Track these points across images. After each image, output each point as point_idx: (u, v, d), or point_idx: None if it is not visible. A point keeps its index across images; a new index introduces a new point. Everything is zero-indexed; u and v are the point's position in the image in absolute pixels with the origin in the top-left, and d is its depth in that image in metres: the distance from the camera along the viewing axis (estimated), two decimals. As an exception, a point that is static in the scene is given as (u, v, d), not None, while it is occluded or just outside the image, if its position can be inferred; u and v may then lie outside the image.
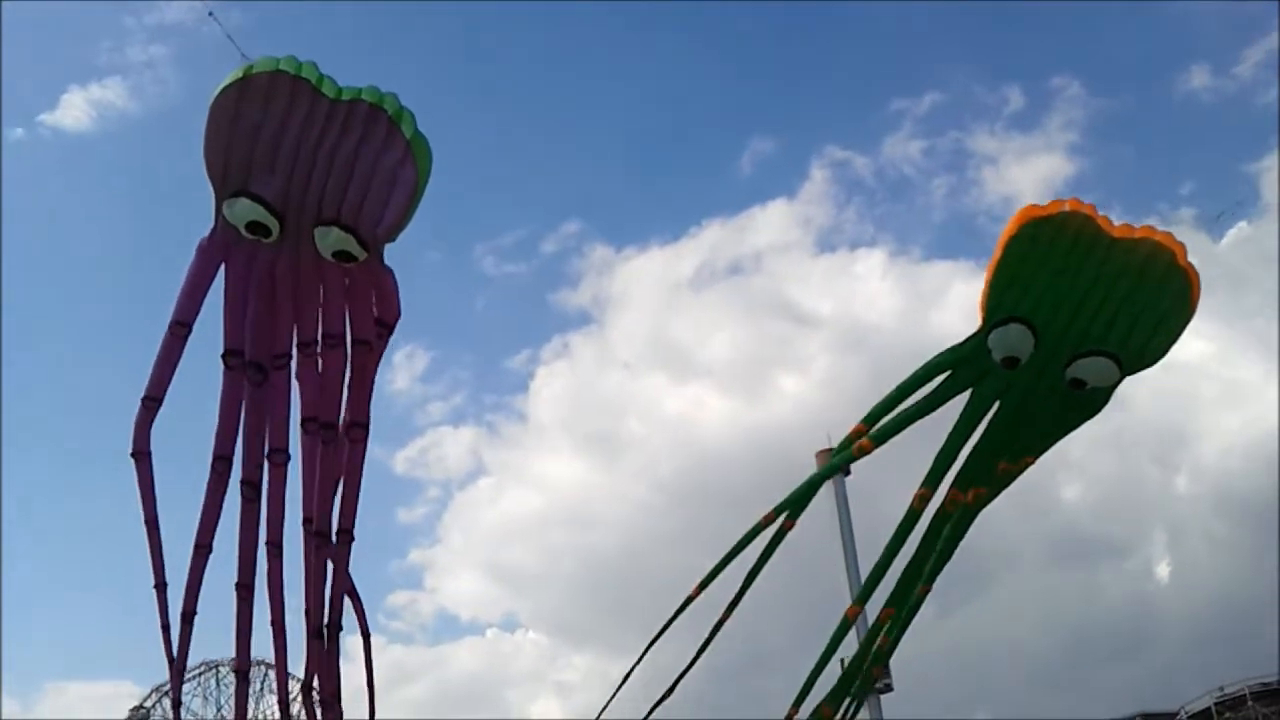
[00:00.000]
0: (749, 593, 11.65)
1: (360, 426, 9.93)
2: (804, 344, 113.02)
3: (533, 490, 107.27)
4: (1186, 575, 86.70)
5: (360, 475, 10.09)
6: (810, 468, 67.12)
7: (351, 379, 9.84)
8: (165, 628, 9.92)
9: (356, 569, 10.47)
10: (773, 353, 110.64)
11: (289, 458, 9.93)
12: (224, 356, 9.59)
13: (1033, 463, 11.14)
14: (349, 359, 9.75)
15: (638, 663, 11.77)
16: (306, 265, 9.34)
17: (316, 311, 9.62)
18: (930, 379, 10.77)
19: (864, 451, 11.02)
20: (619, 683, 11.98)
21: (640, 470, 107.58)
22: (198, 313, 9.51)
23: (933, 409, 10.84)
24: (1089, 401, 10.65)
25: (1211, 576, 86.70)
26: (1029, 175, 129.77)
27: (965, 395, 10.89)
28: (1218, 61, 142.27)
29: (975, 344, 10.47)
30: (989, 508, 11.30)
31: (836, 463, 11.59)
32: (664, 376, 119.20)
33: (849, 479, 64.04)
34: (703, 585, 11.43)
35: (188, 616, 9.96)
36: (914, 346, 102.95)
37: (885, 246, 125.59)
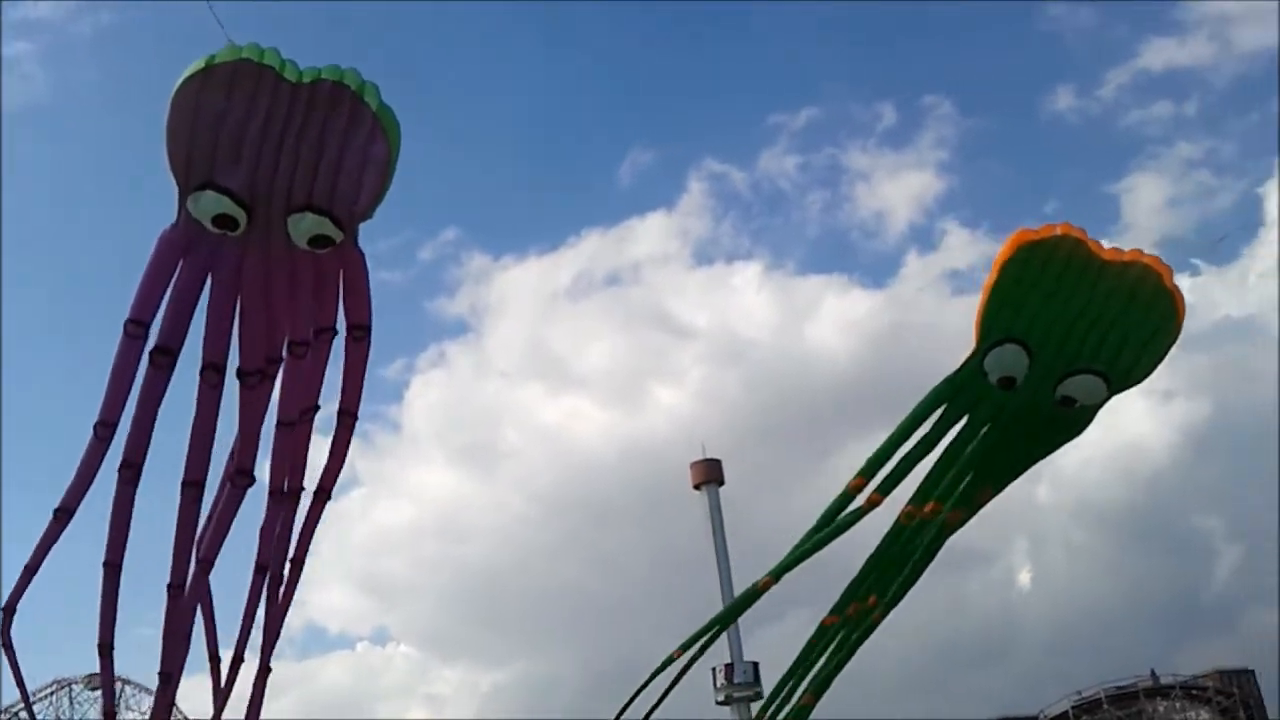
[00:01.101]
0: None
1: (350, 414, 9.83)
2: (680, 356, 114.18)
3: (406, 501, 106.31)
4: (1047, 583, 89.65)
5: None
6: (685, 479, 67.56)
7: (308, 376, 9.65)
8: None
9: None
10: (649, 364, 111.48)
11: (253, 481, 9.67)
12: (152, 353, 9.08)
13: (1001, 490, 11.39)
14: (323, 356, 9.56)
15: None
16: (277, 257, 8.97)
17: (284, 312, 9.26)
18: (929, 415, 10.92)
19: (874, 505, 11.08)
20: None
21: (516, 481, 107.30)
22: (156, 311, 9.02)
23: (933, 447, 11.00)
24: (1073, 421, 10.92)
25: (1070, 584, 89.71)
26: (901, 192, 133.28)
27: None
28: (1082, 83, 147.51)
29: (971, 369, 10.66)
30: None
31: (845, 521, 11.23)
32: (541, 387, 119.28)
33: (723, 489, 65.11)
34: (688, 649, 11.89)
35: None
36: (788, 359, 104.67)
37: (761, 260, 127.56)
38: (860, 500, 11.05)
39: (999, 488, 11.40)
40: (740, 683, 59.68)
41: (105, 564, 9.52)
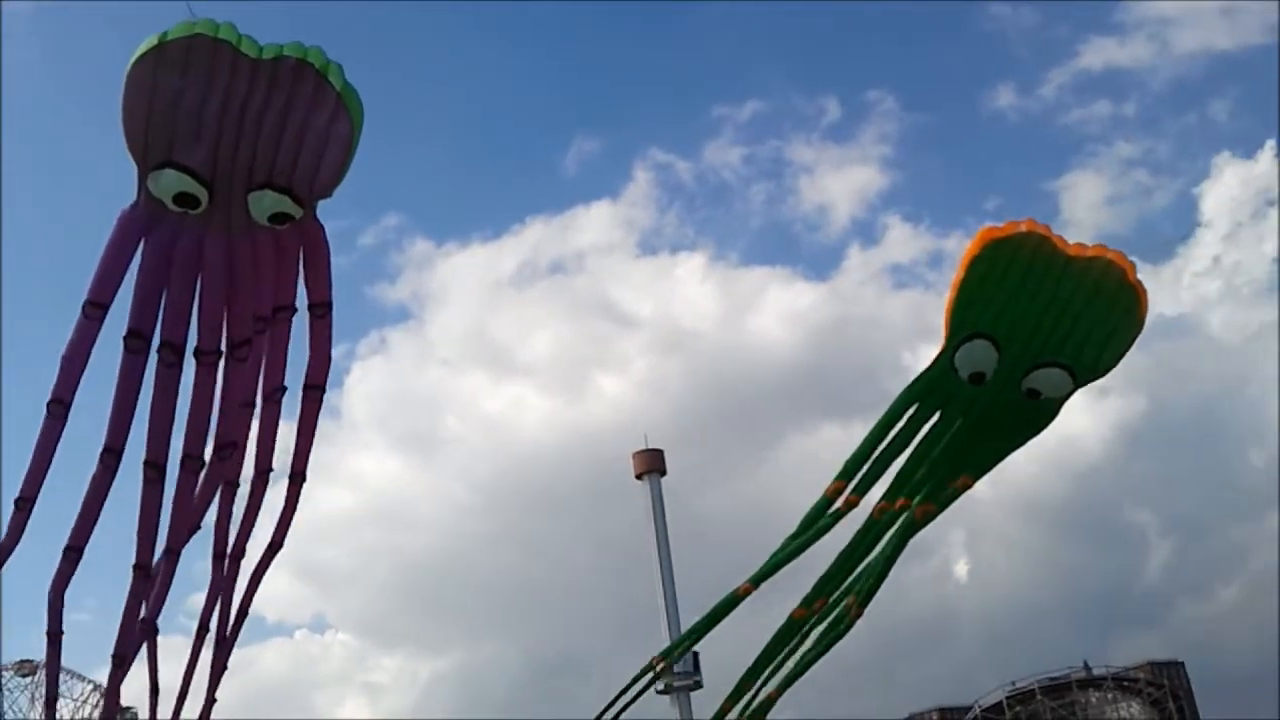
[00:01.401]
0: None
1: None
2: (624, 345, 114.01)
3: (345, 489, 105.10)
4: (983, 575, 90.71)
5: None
6: (628, 469, 67.41)
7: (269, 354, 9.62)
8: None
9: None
10: (593, 353, 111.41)
11: (203, 464, 9.58)
12: (126, 338, 8.96)
13: (973, 484, 11.46)
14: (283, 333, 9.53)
15: None
16: (238, 235, 8.87)
17: (250, 289, 9.15)
18: (901, 416, 11.03)
19: (851, 506, 11.19)
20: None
21: (457, 470, 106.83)
22: (115, 292, 8.87)
23: (906, 446, 11.11)
24: (1039, 414, 11.06)
25: (1006, 576, 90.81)
26: (844, 185, 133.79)
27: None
28: (1023, 82, 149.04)
29: (941, 366, 10.79)
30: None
31: (824, 524, 11.31)
32: (484, 375, 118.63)
33: (665, 479, 65.16)
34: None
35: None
36: (731, 350, 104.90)
37: (705, 251, 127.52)
38: (839, 503, 11.16)
39: (977, 476, 11.48)
40: (680, 672, 59.76)
41: (68, 549, 9.41)
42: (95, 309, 8.87)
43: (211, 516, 10.06)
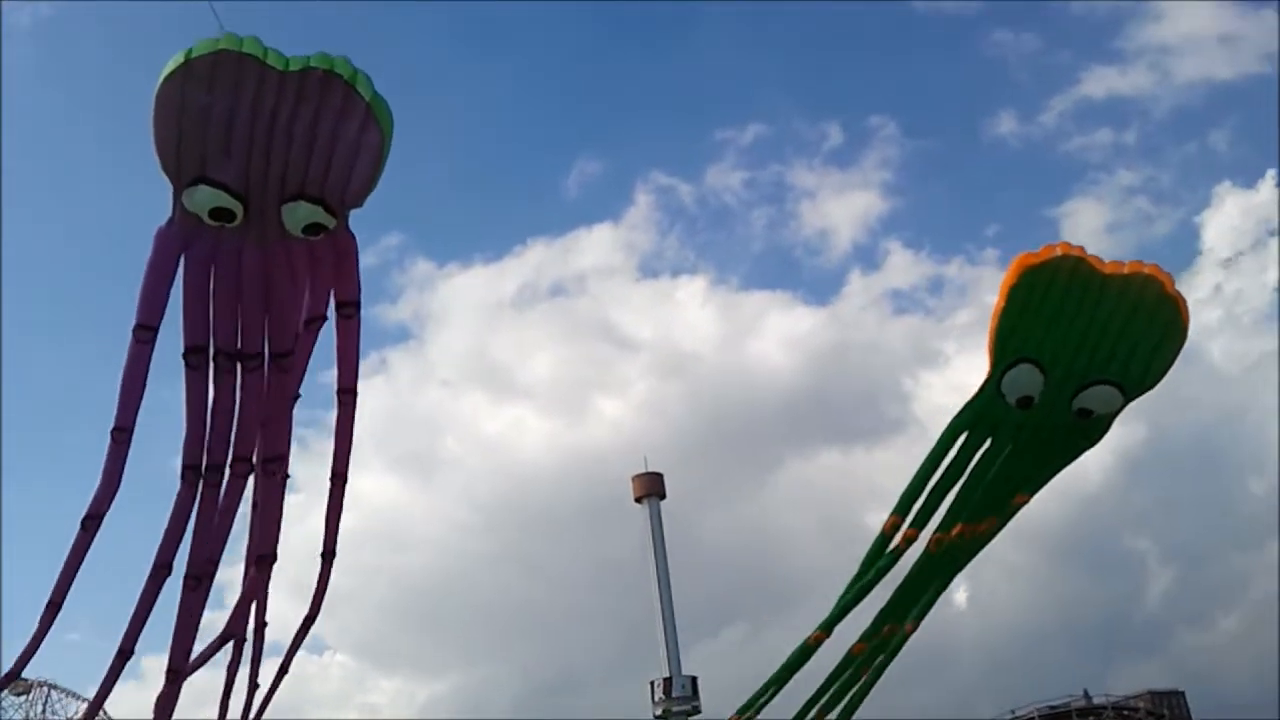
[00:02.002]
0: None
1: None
2: (624, 368, 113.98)
3: (344, 508, 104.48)
4: (983, 602, 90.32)
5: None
6: (627, 491, 67.29)
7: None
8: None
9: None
10: (593, 375, 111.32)
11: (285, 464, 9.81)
12: (185, 355, 9.09)
13: (1028, 501, 11.56)
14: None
15: None
16: (273, 246, 8.96)
17: (290, 300, 9.25)
18: (951, 445, 11.14)
19: (910, 541, 11.30)
20: None
21: (457, 490, 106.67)
22: (163, 313, 8.96)
23: (960, 475, 11.22)
24: (1091, 430, 11.21)
25: (1006, 603, 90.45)
26: (845, 210, 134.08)
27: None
28: (1025, 108, 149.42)
29: (989, 393, 10.89)
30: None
31: (884, 564, 11.42)
32: (484, 396, 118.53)
33: (664, 502, 65.03)
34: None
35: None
36: (731, 374, 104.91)
37: (706, 274, 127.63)
38: (897, 539, 11.25)
39: (1033, 493, 11.59)
40: (679, 696, 59.55)
41: (156, 565, 9.48)
42: (145, 331, 8.94)
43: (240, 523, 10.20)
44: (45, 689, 43.73)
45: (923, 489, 11.12)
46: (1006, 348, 10.69)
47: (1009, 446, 11.15)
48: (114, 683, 9.91)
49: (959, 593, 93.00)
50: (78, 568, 9.28)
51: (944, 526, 11.36)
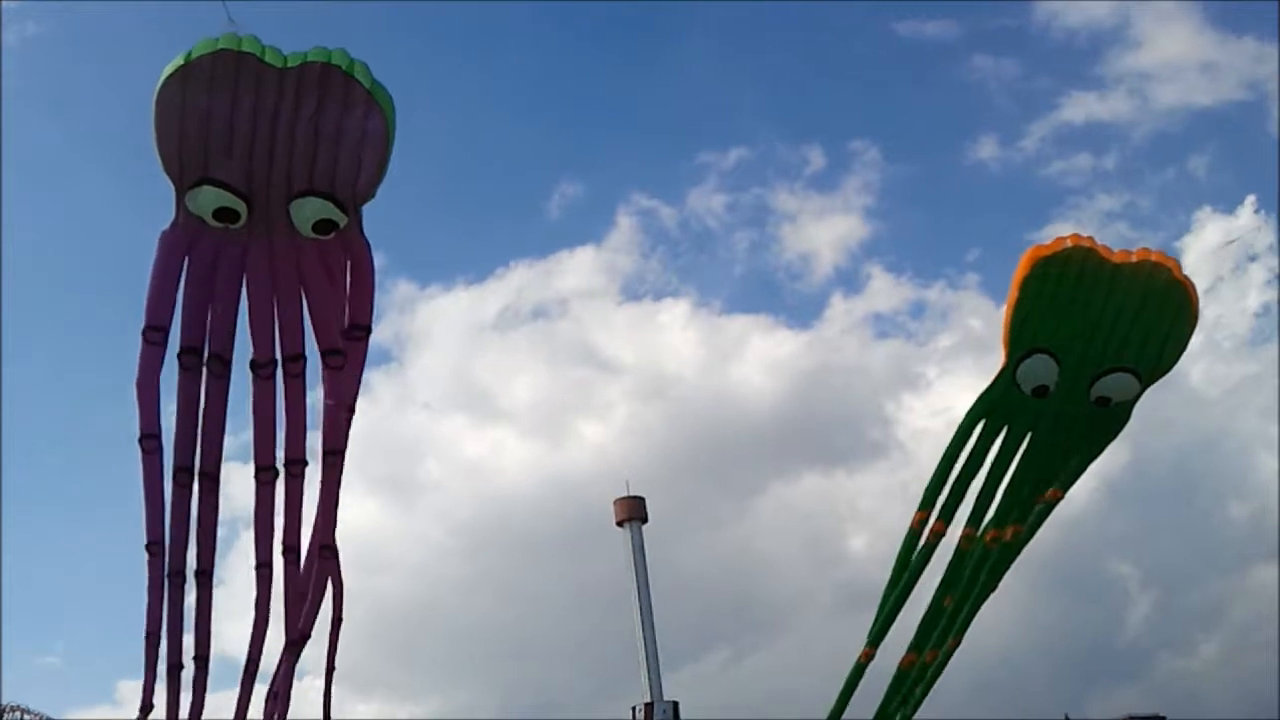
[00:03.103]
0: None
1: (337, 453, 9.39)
2: (606, 391, 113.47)
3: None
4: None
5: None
6: (608, 515, 67.13)
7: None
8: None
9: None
10: (575, 398, 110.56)
11: (308, 464, 9.34)
12: (180, 355, 8.83)
13: (1062, 497, 11.46)
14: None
15: None
16: (281, 247, 8.75)
17: (297, 304, 8.98)
18: (969, 435, 11.16)
19: (939, 536, 11.32)
20: None
21: (437, 513, 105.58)
22: (172, 313, 8.76)
23: (980, 465, 11.23)
24: (1111, 419, 11.22)
25: (987, 628, 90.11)
26: (826, 235, 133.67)
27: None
28: (1005, 133, 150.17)
29: (1004, 383, 10.99)
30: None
31: (916, 564, 11.43)
32: (465, 418, 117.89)
33: (646, 526, 64.89)
34: None
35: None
36: (714, 398, 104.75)
37: (688, 298, 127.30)
38: (925, 535, 11.25)
39: (1066, 487, 11.48)
40: (660, 721, 59.25)
41: (198, 572, 9.24)
42: (155, 333, 8.75)
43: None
44: (19, 713, 43.18)
45: (945, 481, 11.16)
46: (1021, 339, 10.78)
47: (1028, 436, 11.15)
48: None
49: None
50: (161, 598, 9.03)
51: (972, 523, 11.32)
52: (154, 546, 8.92)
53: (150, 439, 8.83)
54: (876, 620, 11.49)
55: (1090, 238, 10.53)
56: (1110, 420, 11.19)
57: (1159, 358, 10.78)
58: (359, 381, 9.43)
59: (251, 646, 9.67)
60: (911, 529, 11.24)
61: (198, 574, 9.40)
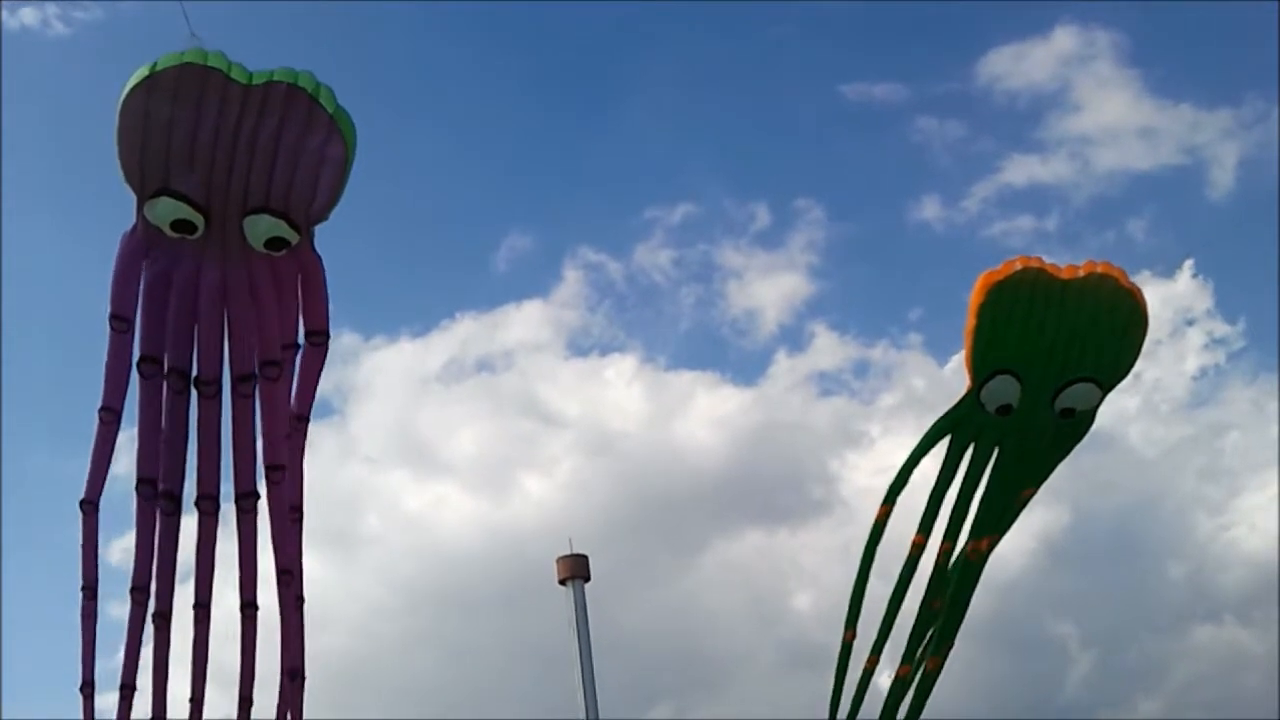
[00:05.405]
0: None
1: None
2: (550, 445, 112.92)
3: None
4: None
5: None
6: (551, 572, 66.96)
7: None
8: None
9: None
10: (519, 453, 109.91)
11: (259, 497, 9.53)
12: (139, 364, 8.96)
13: (1033, 495, 12.01)
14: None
15: None
16: (234, 261, 8.82)
17: (249, 322, 9.07)
18: (932, 447, 11.66)
19: (919, 548, 11.79)
20: None
21: (377, 569, 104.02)
22: (136, 306, 8.90)
23: (954, 473, 11.66)
24: (1077, 425, 11.65)
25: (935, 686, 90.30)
26: (771, 292, 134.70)
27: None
28: (948, 194, 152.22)
29: (969, 404, 11.39)
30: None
31: (900, 578, 11.98)
32: (407, 472, 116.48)
33: (589, 584, 64.48)
34: None
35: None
36: (658, 454, 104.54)
37: (634, 353, 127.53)
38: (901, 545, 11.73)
39: (1039, 484, 12.01)
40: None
41: (156, 615, 9.52)
42: (120, 322, 8.90)
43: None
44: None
45: (905, 480, 11.72)
46: (983, 364, 11.15)
47: (995, 450, 11.62)
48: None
49: (883, 676, 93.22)
50: (95, 559, 9.32)
51: (949, 536, 11.81)
52: (87, 505, 9.28)
53: (108, 411, 9.07)
54: (876, 642, 12.33)
55: (1038, 258, 10.96)
56: (1076, 425, 11.67)
57: (1116, 363, 11.23)
58: (315, 390, 9.59)
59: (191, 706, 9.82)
60: (877, 521, 11.84)
61: (155, 616, 9.55)
